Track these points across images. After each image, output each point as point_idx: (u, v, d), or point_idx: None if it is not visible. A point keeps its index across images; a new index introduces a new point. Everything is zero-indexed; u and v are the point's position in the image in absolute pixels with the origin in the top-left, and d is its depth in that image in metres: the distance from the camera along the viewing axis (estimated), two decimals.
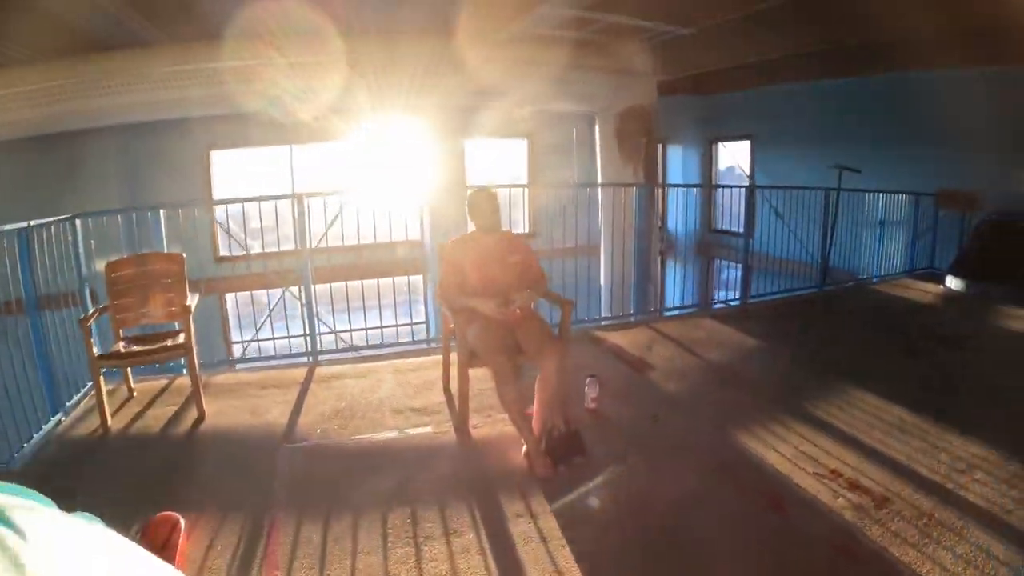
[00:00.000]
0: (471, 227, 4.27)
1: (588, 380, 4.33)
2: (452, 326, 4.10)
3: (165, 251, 5.67)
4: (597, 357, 5.64)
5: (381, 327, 8.16)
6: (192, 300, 4.66)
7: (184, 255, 4.88)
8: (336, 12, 7.24)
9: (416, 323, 10.41)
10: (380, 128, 10.10)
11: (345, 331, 7.31)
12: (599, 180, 9.45)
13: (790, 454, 3.83)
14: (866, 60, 10.84)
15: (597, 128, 9.58)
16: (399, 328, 8.68)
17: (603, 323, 6.89)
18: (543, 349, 3.81)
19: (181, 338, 4.51)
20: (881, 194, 9.32)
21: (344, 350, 6.16)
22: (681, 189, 14.09)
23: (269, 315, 9.26)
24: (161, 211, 5.98)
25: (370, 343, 6.84)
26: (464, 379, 4.02)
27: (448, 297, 4.10)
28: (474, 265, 4.10)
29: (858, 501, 3.32)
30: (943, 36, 9.52)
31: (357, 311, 6.79)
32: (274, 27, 7.37)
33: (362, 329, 7.77)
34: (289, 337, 9.52)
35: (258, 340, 9.08)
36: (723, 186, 14.35)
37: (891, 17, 8.62)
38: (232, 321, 11.38)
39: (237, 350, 10.18)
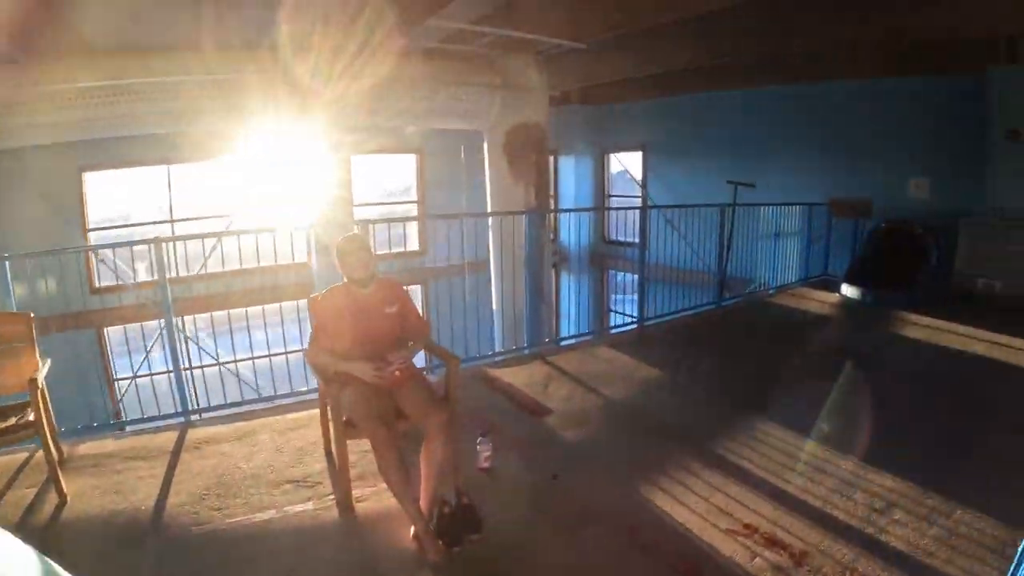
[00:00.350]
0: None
1: (479, 439, 3.91)
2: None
3: (12, 303, 4.69)
4: (490, 402, 5.20)
5: (268, 356, 7.47)
6: (43, 370, 3.86)
7: (32, 314, 4.03)
8: (212, 26, 6.68)
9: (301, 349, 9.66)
10: (264, 145, 9.45)
11: (228, 362, 6.66)
12: (488, 199, 9.08)
13: (702, 509, 3.51)
14: (758, 73, 10.94)
15: (486, 146, 9.19)
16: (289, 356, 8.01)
17: (496, 359, 6.40)
18: (427, 413, 3.37)
19: (31, 414, 3.71)
20: (775, 206, 9.29)
21: (219, 407, 5.44)
22: (571, 203, 14.20)
23: (147, 355, 8.47)
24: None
25: (248, 397, 5.93)
26: (342, 451, 3.52)
27: (318, 362, 3.62)
28: (346, 322, 3.59)
29: (776, 560, 3.06)
30: (833, 49, 9.74)
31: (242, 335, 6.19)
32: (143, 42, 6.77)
33: (248, 359, 7.07)
34: (168, 372, 8.72)
35: (136, 376, 8.26)
36: (616, 208, 14.40)
37: (782, 32, 8.69)
38: (122, 351, 10.33)
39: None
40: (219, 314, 6.51)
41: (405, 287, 3.95)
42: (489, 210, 8.94)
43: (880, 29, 8.25)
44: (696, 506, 3.54)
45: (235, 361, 6.88)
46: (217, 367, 6.83)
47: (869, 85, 10.15)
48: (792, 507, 3.52)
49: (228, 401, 5.46)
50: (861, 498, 3.60)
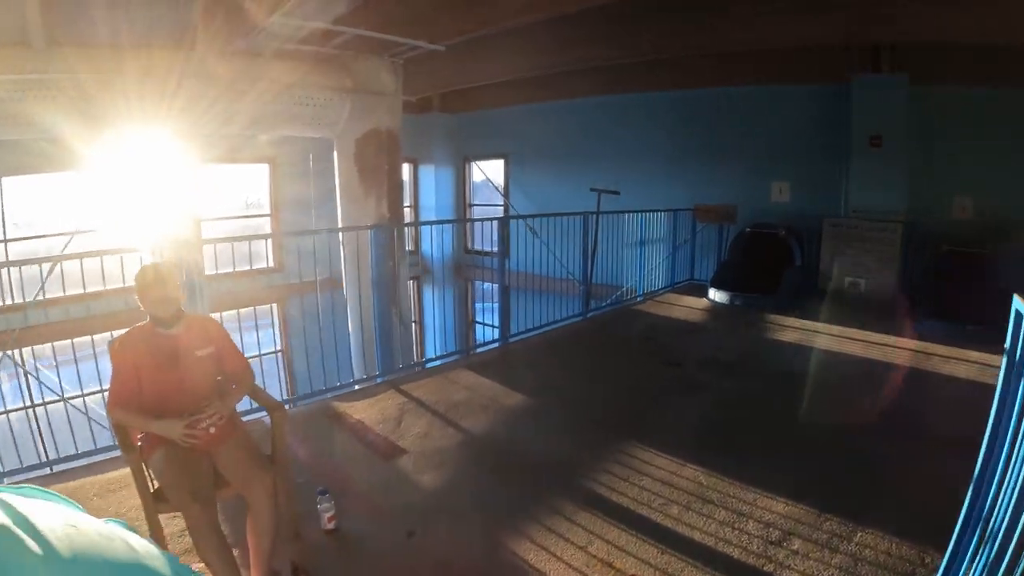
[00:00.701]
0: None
1: (319, 496, 3.29)
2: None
3: None
4: (336, 445, 4.55)
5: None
6: None
7: None
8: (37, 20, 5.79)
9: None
10: (109, 155, 8.38)
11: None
12: (339, 212, 8.39)
13: (580, 562, 3.06)
14: (622, 79, 10.87)
15: (336, 155, 8.50)
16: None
17: (344, 391, 5.59)
18: (249, 478, 2.76)
19: None
20: (640, 213, 9.12)
21: (34, 467, 4.44)
22: (432, 213, 13.74)
23: None
24: None
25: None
26: (156, 527, 2.83)
27: (119, 421, 2.87)
28: (150, 370, 2.87)
29: None
30: (699, 55, 9.77)
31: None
32: None
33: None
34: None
35: None
36: (475, 220, 13.74)
37: (651, 37, 8.58)
38: None
39: None
40: (61, 344, 5.62)
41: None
42: (340, 223, 8.28)
43: (739, 37, 8.33)
44: (574, 559, 3.08)
45: (82, 395, 5.98)
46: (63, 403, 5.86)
47: (735, 92, 10.30)
48: (682, 549, 3.15)
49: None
50: (754, 529, 3.30)
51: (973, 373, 6.25)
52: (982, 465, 2.36)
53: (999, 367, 6.29)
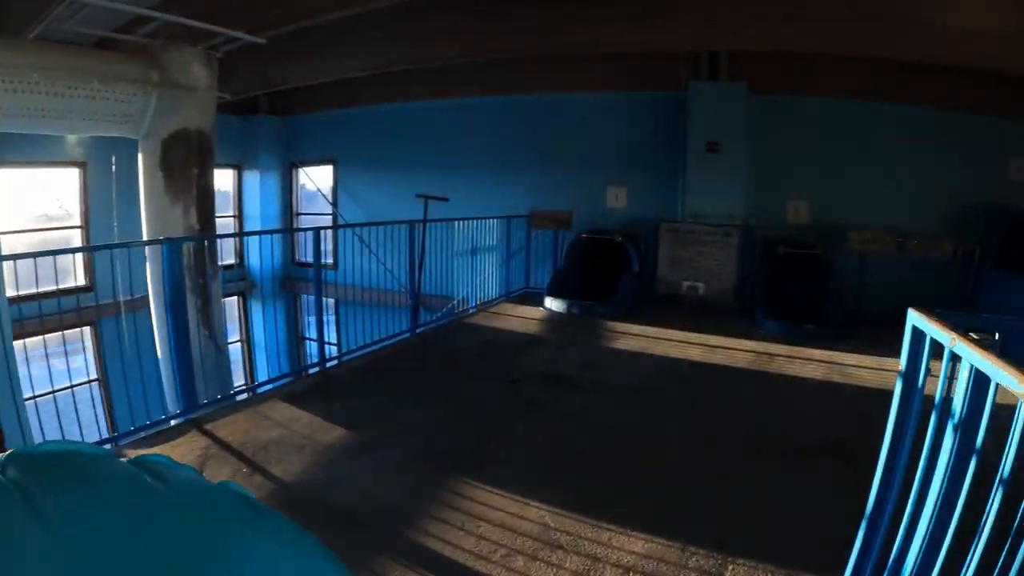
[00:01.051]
0: None
1: None
2: None
3: None
4: None
5: None
6: None
7: None
8: None
9: None
10: None
11: None
12: (144, 222, 7.57)
13: None
14: (456, 82, 10.66)
15: (140, 157, 7.66)
16: None
17: (141, 434, 4.61)
18: None
19: None
20: (471, 220, 8.80)
21: None
22: (257, 223, 13.05)
23: None
24: None
25: None
26: None
27: None
28: None
29: None
30: (536, 59, 9.60)
31: None
32: None
33: None
34: None
35: None
36: (296, 229, 13.65)
37: (483, 37, 8.30)
38: None
39: None
40: None
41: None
42: (145, 236, 7.47)
43: (581, 41, 8.23)
44: None
45: None
46: None
47: (571, 97, 10.26)
48: None
49: None
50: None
51: (820, 373, 6.38)
52: (877, 498, 2.23)
53: (842, 364, 6.27)
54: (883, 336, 8.18)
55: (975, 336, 1.85)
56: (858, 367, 6.74)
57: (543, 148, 10.60)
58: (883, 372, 6.58)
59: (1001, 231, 9.09)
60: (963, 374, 1.82)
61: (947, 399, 1.92)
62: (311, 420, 4.84)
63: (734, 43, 8.28)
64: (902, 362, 2.18)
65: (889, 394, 2.17)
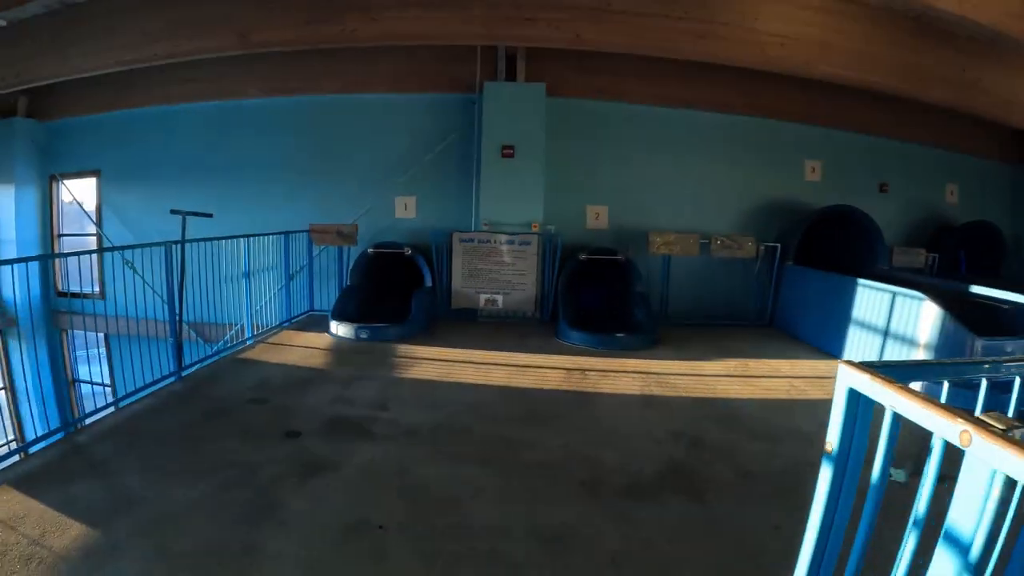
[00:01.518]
0: None
1: None
2: None
3: None
4: None
5: None
6: None
7: None
8: None
9: None
10: None
11: None
12: None
13: None
14: (231, 81, 9.68)
15: None
16: None
17: None
18: None
19: None
20: (244, 238, 7.59)
21: None
22: (12, 247, 11.09)
23: None
24: None
25: None
26: None
27: None
28: None
29: None
30: (319, 58, 9.01)
31: None
32: None
33: None
34: None
35: None
36: (51, 256, 11.69)
37: (261, 27, 7.67)
38: None
39: None
40: None
41: None
42: None
43: (368, 33, 7.66)
44: None
45: None
46: None
47: (356, 99, 9.62)
48: None
49: None
50: None
51: (637, 387, 6.02)
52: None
53: (658, 373, 6.01)
54: (692, 337, 8.22)
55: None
56: (675, 375, 6.53)
57: (329, 156, 9.71)
58: (700, 378, 6.45)
59: (798, 230, 9.49)
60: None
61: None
62: (43, 515, 3.47)
63: (534, 39, 7.80)
64: (831, 434, 1.59)
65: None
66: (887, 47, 8.09)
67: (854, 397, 1.52)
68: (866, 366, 1.47)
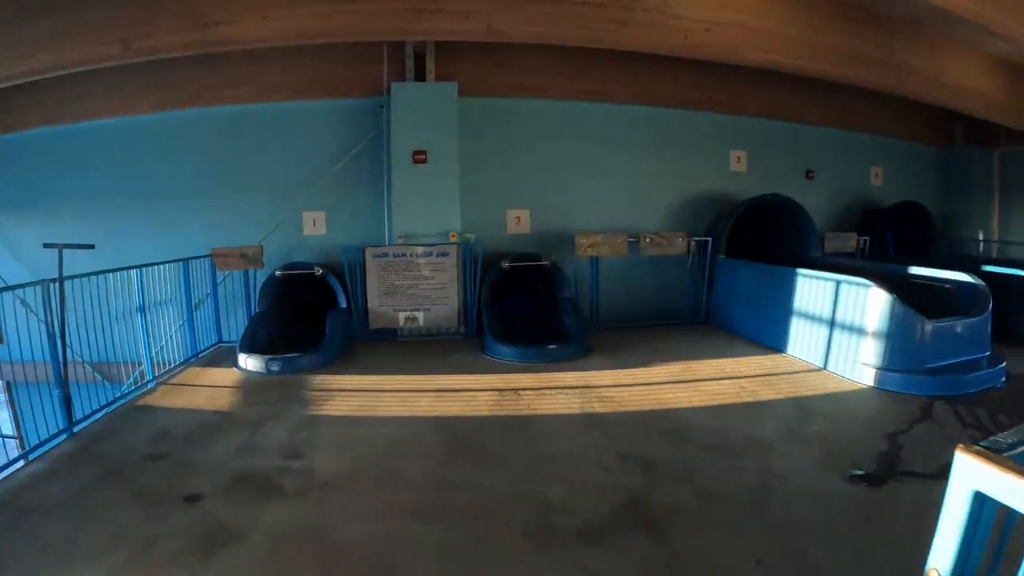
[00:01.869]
0: None
1: None
2: None
3: None
4: None
5: None
6: None
7: None
8: None
9: None
10: None
11: None
12: None
13: None
14: (130, 95, 8.80)
15: None
16: None
17: None
18: None
19: None
20: (139, 268, 6.80)
21: None
22: None
23: None
24: None
25: None
26: None
27: None
28: None
29: None
30: (204, 63, 8.29)
31: None
32: None
33: None
34: None
35: None
36: None
37: (143, 32, 6.88)
38: None
39: None
40: None
41: None
42: None
43: (256, 34, 7.02)
44: None
45: None
46: None
47: (253, 109, 9.01)
48: None
49: None
50: None
51: (577, 404, 5.62)
52: None
53: (596, 387, 6.14)
54: (627, 341, 7.84)
55: None
56: (615, 387, 6.15)
57: (232, 173, 8.91)
58: (642, 388, 6.15)
59: (728, 222, 9.28)
60: None
61: None
62: None
63: (443, 32, 7.31)
64: (941, 555, 1.08)
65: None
66: (815, 31, 7.96)
67: (979, 502, 1.01)
68: (994, 454, 0.95)
